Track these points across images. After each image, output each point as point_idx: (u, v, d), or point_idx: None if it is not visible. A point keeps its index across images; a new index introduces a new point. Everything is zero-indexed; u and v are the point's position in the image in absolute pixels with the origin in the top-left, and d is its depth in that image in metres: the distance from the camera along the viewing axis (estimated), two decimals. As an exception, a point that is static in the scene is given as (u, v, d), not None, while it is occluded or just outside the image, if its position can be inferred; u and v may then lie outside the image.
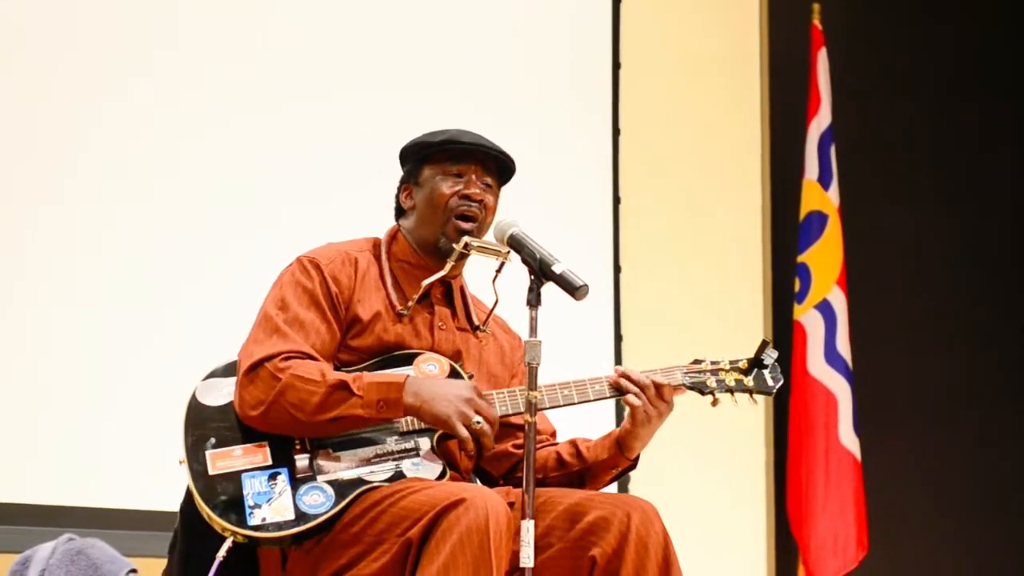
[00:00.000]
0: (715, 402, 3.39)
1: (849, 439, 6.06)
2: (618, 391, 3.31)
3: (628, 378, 3.30)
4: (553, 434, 3.52)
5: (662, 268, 5.93)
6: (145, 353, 4.57)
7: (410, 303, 3.34)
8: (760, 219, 6.26)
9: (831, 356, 6.09)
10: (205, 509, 3.12)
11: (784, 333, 6.19)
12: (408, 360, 3.29)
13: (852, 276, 6.20)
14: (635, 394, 3.29)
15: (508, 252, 3.26)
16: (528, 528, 2.97)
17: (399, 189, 3.47)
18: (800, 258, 6.19)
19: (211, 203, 4.79)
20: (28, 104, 4.59)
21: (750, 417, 6.09)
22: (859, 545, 5.99)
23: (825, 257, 6.16)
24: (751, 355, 3.41)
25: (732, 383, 3.39)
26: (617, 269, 5.70)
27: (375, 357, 3.30)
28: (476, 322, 3.45)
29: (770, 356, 3.42)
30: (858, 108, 6.57)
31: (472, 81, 5.39)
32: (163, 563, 3.33)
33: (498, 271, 3.34)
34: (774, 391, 3.41)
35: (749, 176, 6.25)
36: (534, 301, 3.08)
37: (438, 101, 5.17)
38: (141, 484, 4.47)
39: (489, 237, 3.32)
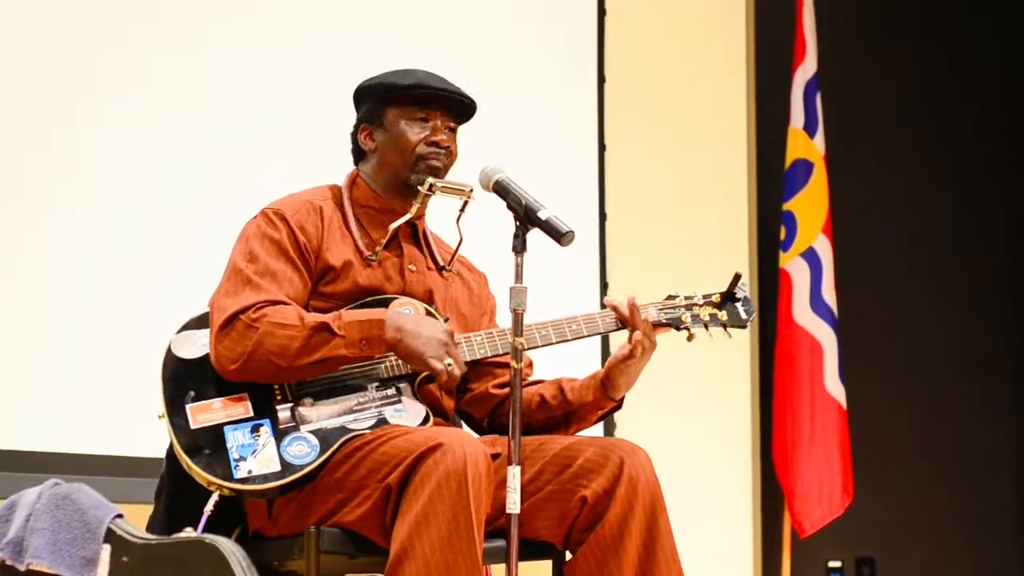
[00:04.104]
0: (690, 337, 3.39)
1: (835, 387, 6.07)
2: (621, 325, 3.31)
3: (634, 309, 3.29)
4: (530, 364, 3.51)
5: (648, 216, 5.93)
6: (132, 298, 4.55)
7: (378, 248, 3.34)
8: (746, 167, 6.26)
9: (816, 304, 6.10)
10: (189, 463, 3.12)
11: (770, 281, 6.20)
12: (383, 305, 3.27)
13: (838, 224, 6.20)
14: (635, 325, 3.28)
15: (471, 191, 3.28)
16: (514, 474, 2.96)
17: (357, 129, 3.44)
18: (786, 206, 6.18)
19: (200, 150, 4.75)
20: None
21: (735, 365, 6.11)
22: (844, 492, 6.01)
23: (811, 205, 6.16)
24: (724, 289, 3.41)
25: (706, 317, 3.38)
26: (603, 216, 5.69)
27: (349, 303, 3.29)
28: (441, 262, 3.46)
29: (742, 289, 3.42)
30: (844, 56, 6.56)
31: (455, 27, 5.35)
32: (149, 509, 3.34)
33: (462, 210, 3.35)
34: (747, 324, 3.40)
35: (735, 123, 6.24)
36: (519, 247, 3.07)
37: (420, 47, 5.13)
38: (128, 430, 4.46)
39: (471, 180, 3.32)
